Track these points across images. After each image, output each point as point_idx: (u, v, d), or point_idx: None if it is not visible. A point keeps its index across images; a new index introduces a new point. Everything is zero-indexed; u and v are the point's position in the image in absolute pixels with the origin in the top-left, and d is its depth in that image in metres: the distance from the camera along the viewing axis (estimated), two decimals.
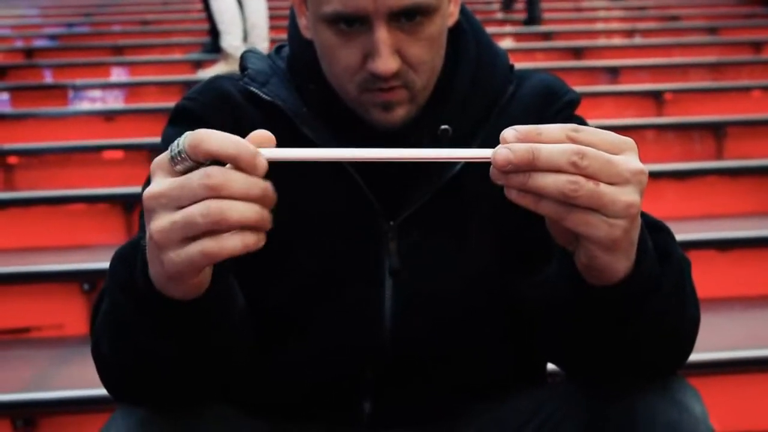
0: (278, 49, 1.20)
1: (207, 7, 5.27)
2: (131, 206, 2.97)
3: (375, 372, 1.12)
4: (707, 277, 2.67)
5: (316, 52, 1.11)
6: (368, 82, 1.05)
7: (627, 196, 0.79)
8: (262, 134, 0.79)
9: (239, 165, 0.76)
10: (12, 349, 2.48)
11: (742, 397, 2.22)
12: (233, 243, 0.76)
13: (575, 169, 0.77)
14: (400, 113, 1.07)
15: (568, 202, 0.78)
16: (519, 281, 1.11)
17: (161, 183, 0.78)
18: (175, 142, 0.78)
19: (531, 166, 0.77)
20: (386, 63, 1.02)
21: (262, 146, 0.78)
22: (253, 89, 1.12)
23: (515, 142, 0.77)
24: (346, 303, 1.10)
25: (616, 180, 0.78)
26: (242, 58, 1.17)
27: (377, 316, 1.10)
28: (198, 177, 0.76)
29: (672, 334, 0.96)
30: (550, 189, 0.77)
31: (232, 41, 4.99)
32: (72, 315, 2.52)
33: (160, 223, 0.77)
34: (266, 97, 1.11)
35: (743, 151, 3.76)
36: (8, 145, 3.70)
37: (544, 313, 1.02)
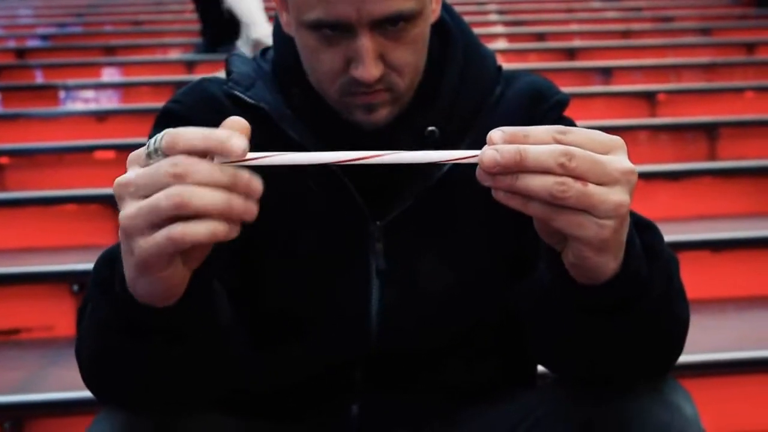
0: (264, 52, 1.20)
1: (201, 8, 5.26)
2: None
3: (363, 373, 1.12)
4: (700, 278, 2.67)
5: (299, 56, 1.11)
6: (351, 86, 1.05)
7: (616, 195, 0.78)
8: (235, 121, 0.78)
9: (214, 154, 0.75)
10: (1, 351, 2.46)
11: (734, 399, 2.22)
12: (200, 229, 0.74)
13: (563, 170, 0.76)
14: (383, 113, 1.07)
15: (556, 203, 0.77)
16: (508, 282, 1.11)
17: (132, 172, 0.78)
18: (153, 139, 0.77)
19: (518, 168, 0.76)
20: (369, 70, 1.02)
21: (239, 131, 0.77)
22: (238, 93, 1.12)
23: (502, 143, 0.76)
24: (333, 303, 1.10)
25: (605, 180, 0.77)
26: (227, 61, 1.17)
27: (364, 316, 1.10)
28: (165, 165, 0.75)
29: (661, 333, 0.96)
30: (538, 190, 0.76)
31: (263, 31, 4.97)
32: (62, 316, 2.50)
33: (128, 210, 0.76)
34: (250, 100, 1.11)
35: (736, 152, 3.76)
36: None
37: (532, 313, 1.02)
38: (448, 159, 0.79)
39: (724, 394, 2.20)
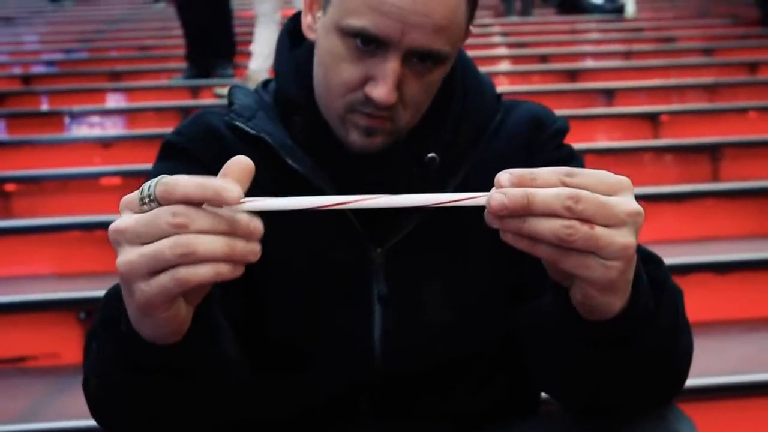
0: (265, 84, 1.21)
1: (190, 32, 5.31)
2: None
3: (368, 401, 1.12)
4: (704, 300, 2.67)
5: (302, 85, 1.12)
6: (359, 104, 1.06)
7: (623, 237, 0.78)
8: (239, 162, 0.78)
9: (211, 204, 0.76)
10: (7, 379, 2.47)
11: (739, 423, 2.21)
12: (205, 270, 0.75)
13: (570, 213, 0.76)
14: (379, 141, 1.08)
15: (563, 245, 0.78)
16: (512, 309, 1.11)
17: (128, 218, 0.78)
18: (147, 185, 0.78)
19: (526, 211, 0.76)
20: (389, 93, 1.03)
21: (240, 178, 0.77)
22: (239, 124, 1.13)
23: (509, 185, 0.77)
24: (335, 330, 1.10)
25: (611, 222, 0.78)
26: (230, 93, 1.18)
27: (366, 342, 1.10)
28: (164, 215, 0.76)
29: (666, 366, 0.96)
30: (545, 234, 0.77)
31: (259, 66, 5.05)
32: (68, 344, 2.50)
33: (126, 256, 0.77)
34: (251, 131, 1.12)
35: (739, 173, 3.76)
36: (5, 172, 3.70)
37: (537, 342, 1.02)
38: (457, 201, 0.79)
39: (729, 419, 2.19)
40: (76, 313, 2.53)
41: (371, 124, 1.06)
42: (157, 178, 0.77)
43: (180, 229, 0.75)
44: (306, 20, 1.12)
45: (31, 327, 2.57)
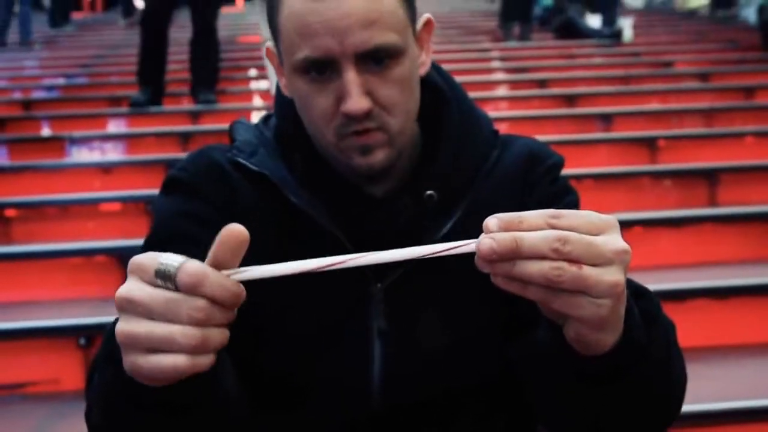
0: (266, 119, 1.22)
1: (150, 58, 5.35)
2: (129, 259, 2.97)
3: None
4: (702, 325, 2.68)
5: (299, 122, 1.13)
6: (344, 126, 1.07)
7: (611, 276, 0.80)
8: (233, 234, 0.78)
9: (225, 306, 0.78)
10: (8, 405, 2.47)
11: None
12: (206, 361, 0.78)
13: (558, 254, 0.78)
14: (379, 157, 1.09)
15: (553, 286, 0.79)
16: (509, 343, 1.12)
17: (139, 289, 0.78)
18: (167, 261, 0.78)
19: (515, 255, 0.78)
20: (357, 102, 1.04)
21: (235, 252, 0.78)
22: (241, 160, 1.14)
23: (497, 230, 0.79)
24: (335, 365, 1.11)
25: (599, 261, 0.79)
26: (231, 129, 1.19)
27: (366, 376, 1.11)
28: (188, 308, 0.76)
29: (659, 398, 0.98)
30: (534, 276, 0.78)
31: None
32: (68, 370, 2.51)
33: (130, 327, 0.78)
34: (254, 167, 1.13)
35: (737, 198, 3.78)
36: (6, 198, 3.72)
37: (534, 375, 1.03)
38: (447, 251, 0.81)
39: None
40: (77, 339, 2.53)
41: (364, 142, 1.08)
42: (179, 261, 0.77)
43: (197, 323, 0.76)
44: (282, 82, 1.15)
45: (31, 353, 2.58)
